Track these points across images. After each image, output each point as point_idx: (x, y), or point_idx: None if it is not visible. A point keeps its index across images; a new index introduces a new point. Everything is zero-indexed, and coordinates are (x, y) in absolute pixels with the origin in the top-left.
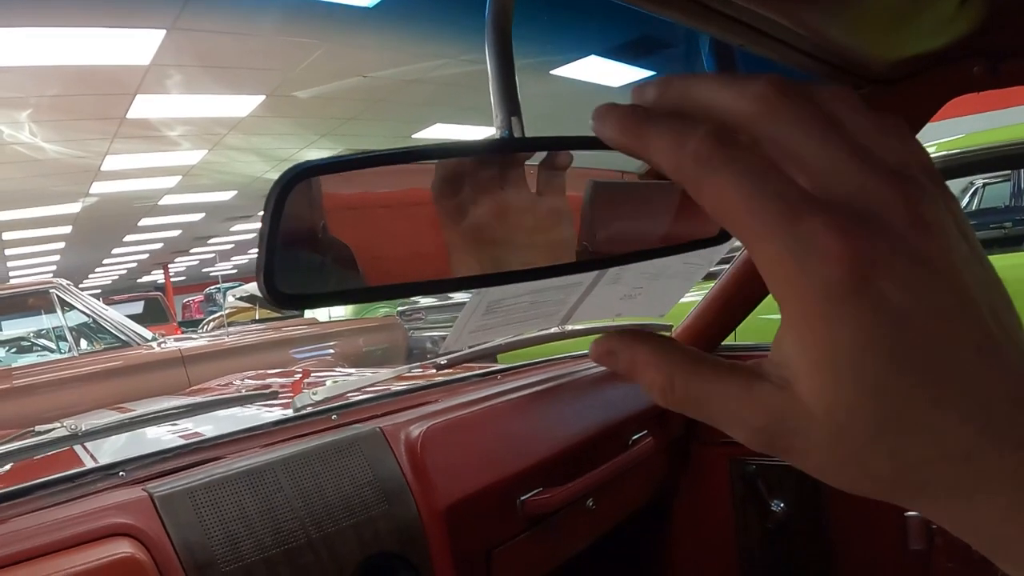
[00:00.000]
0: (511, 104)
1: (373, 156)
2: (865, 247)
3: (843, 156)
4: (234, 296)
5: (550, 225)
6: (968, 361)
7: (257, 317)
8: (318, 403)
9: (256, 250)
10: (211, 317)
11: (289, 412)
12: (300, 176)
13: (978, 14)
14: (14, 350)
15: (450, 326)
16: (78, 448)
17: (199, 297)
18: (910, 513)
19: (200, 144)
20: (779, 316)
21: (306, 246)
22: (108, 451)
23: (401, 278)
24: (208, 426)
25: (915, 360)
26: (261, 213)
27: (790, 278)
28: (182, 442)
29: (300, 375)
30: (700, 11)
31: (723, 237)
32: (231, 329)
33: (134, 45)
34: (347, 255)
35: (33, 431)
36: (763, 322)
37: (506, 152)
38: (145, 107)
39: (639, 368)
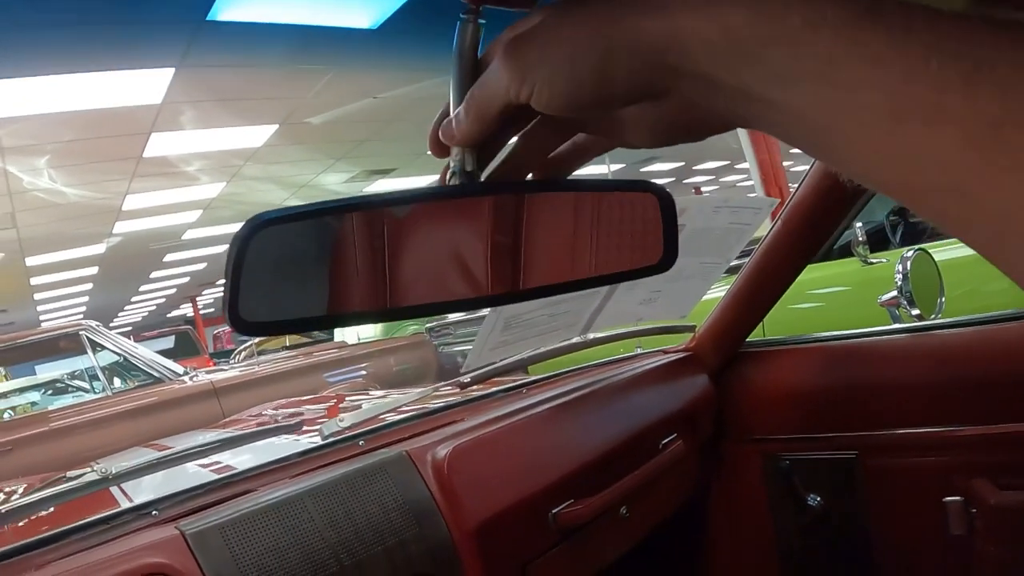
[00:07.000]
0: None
1: (326, 206)
2: (518, 56)
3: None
4: None
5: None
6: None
7: (287, 344)
8: (345, 430)
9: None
10: (242, 347)
11: (318, 440)
12: (258, 228)
13: None
14: (50, 392)
15: None
16: (113, 487)
17: (229, 327)
18: (948, 498)
19: (218, 177)
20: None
21: (268, 281)
22: (141, 488)
23: (359, 307)
24: (238, 459)
25: (564, 46)
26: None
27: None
28: (213, 477)
29: (332, 401)
30: None
31: (664, 266)
32: (262, 358)
33: (145, 85)
34: (307, 288)
35: (64, 477)
36: (790, 312)
37: (458, 196)
38: (161, 145)
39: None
